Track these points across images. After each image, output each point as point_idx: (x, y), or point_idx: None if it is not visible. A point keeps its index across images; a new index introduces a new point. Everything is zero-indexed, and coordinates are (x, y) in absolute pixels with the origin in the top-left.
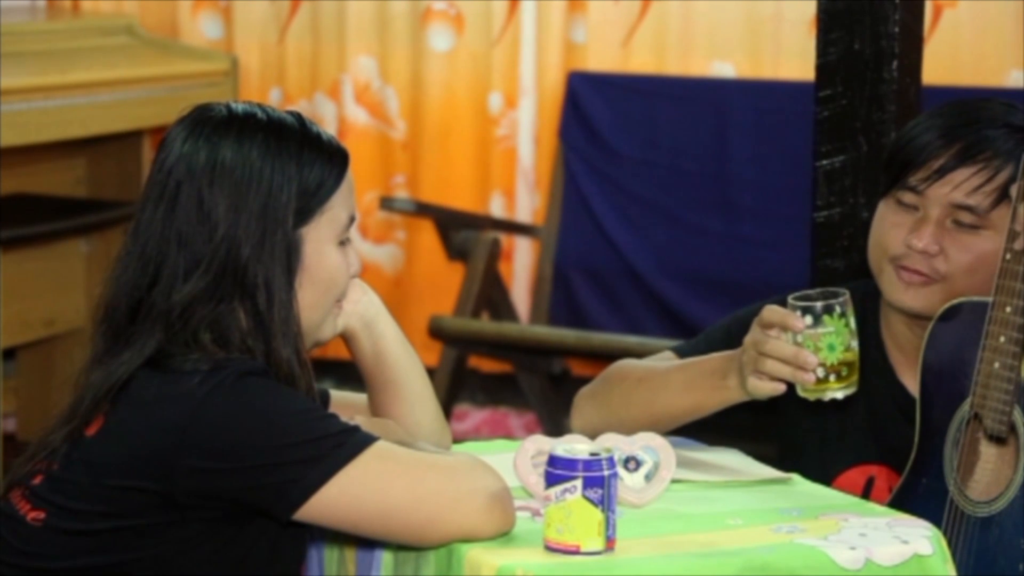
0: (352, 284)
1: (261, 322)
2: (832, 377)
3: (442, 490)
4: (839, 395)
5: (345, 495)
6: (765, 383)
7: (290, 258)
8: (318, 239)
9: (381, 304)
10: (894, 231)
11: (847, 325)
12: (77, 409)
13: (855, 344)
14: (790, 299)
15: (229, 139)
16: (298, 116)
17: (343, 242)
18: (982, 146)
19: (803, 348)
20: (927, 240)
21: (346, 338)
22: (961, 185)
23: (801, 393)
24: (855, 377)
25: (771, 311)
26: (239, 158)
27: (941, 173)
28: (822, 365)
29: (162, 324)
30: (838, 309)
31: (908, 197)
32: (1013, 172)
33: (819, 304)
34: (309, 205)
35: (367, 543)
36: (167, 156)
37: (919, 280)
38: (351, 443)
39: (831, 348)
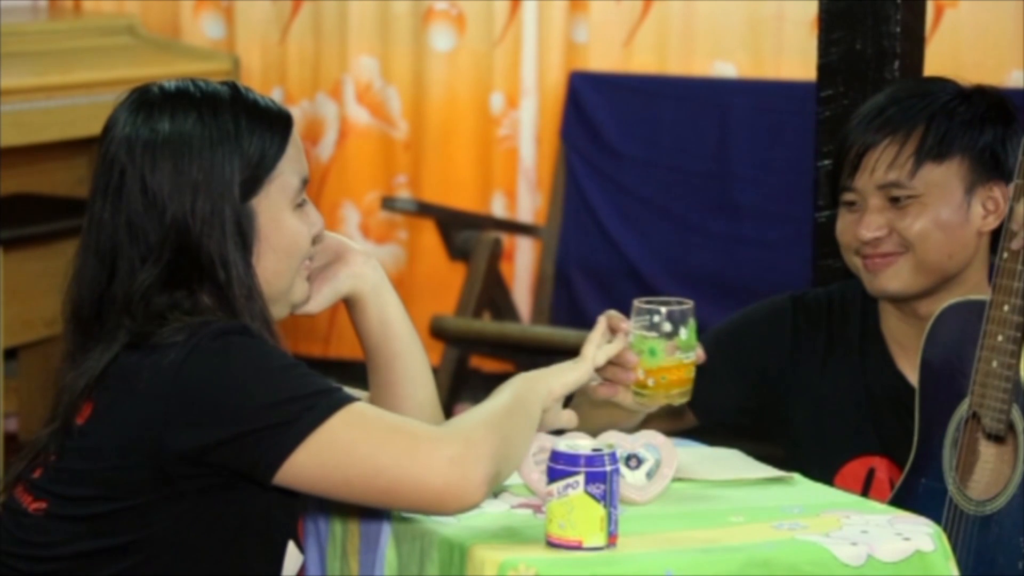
0: (354, 253)
1: (224, 299)
2: (651, 382)
3: (400, 461)
4: (662, 402)
5: (313, 461)
6: (604, 387)
7: (242, 233)
8: (270, 208)
9: (384, 274)
10: (847, 230)
11: (675, 335)
12: (56, 411)
13: (681, 356)
14: (636, 301)
15: (164, 120)
16: (233, 85)
17: (300, 204)
18: (884, 122)
19: (628, 349)
20: (872, 228)
21: (352, 304)
22: (877, 166)
23: (635, 400)
24: (681, 389)
25: (609, 315)
26: (176, 138)
27: (858, 161)
28: (643, 368)
29: (127, 316)
30: (657, 318)
31: (848, 196)
32: (924, 133)
33: (645, 308)
34: (255, 175)
35: (370, 543)
36: (109, 144)
37: (883, 262)
38: (321, 406)
39: (652, 353)
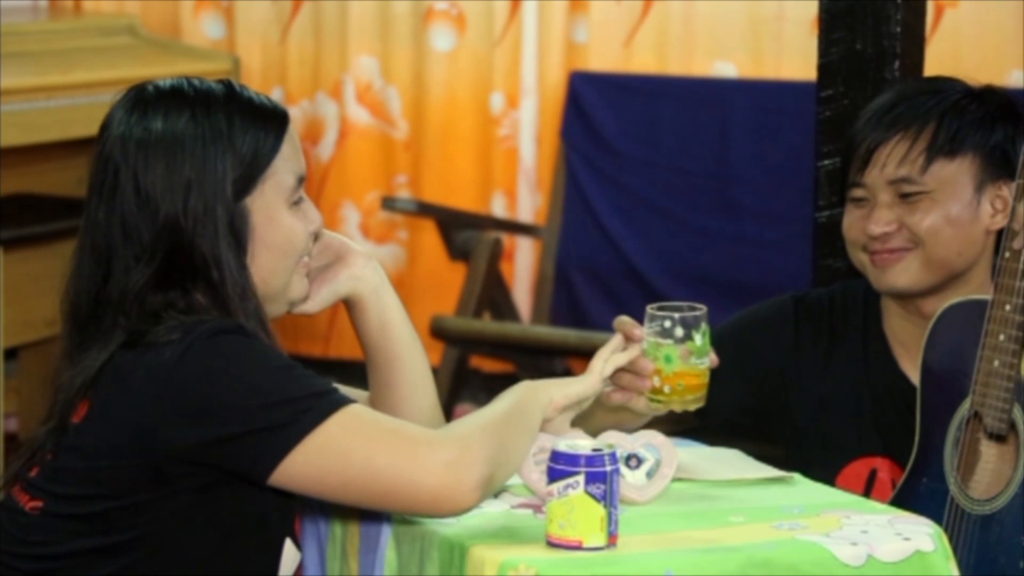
0: (355, 254)
1: (218, 298)
2: (667, 389)
3: (397, 464)
4: (677, 408)
5: (309, 464)
6: (618, 393)
7: (235, 232)
8: (265, 207)
9: (384, 276)
10: (855, 225)
11: (689, 340)
12: (53, 409)
13: (696, 361)
14: (649, 308)
15: (157, 119)
16: (228, 84)
17: (297, 202)
18: (895, 118)
19: (643, 356)
20: (881, 224)
21: (352, 305)
22: (888, 161)
23: (649, 406)
24: (696, 395)
25: (620, 321)
26: (169, 137)
27: (868, 157)
28: (658, 374)
29: (122, 315)
30: (670, 323)
31: (857, 192)
32: (936, 130)
33: (659, 315)
34: (249, 174)
35: (370, 543)
36: (104, 143)
37: (892, 258)
38: (317, 409)
39: (667, 359)
